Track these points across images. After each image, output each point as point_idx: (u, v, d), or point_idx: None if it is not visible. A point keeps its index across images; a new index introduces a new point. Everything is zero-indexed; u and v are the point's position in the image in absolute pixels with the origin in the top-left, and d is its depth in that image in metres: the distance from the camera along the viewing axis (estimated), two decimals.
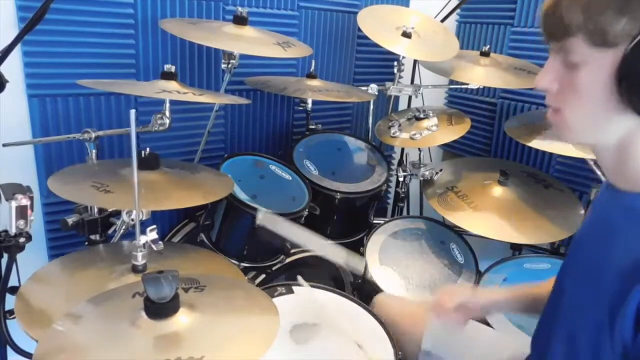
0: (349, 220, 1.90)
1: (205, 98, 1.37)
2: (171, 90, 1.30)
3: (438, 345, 1.15)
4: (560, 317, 0.84)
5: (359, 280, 1.73)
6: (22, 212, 1.08)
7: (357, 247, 1.75)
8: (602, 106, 0.70)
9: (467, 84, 2.02)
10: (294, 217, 1.57)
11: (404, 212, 2.22)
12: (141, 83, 1.63)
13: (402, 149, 2.22)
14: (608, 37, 0.65)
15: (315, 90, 1.85)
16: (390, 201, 2.53)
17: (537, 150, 2.18)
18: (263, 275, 1.64)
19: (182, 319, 0.84)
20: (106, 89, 1.52)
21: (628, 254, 0.70)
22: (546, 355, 0.86)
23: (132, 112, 0.98)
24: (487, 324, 1.41)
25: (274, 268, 1.64)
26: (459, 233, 1.79)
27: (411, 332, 1.18)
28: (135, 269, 1.14)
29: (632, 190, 0.74)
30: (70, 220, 1.32)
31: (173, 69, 1.39)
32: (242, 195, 1.52)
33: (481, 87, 2.37)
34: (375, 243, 1.72)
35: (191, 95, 1.30)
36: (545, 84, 0.75)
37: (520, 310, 1.10)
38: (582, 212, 1.78)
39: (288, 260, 1.67)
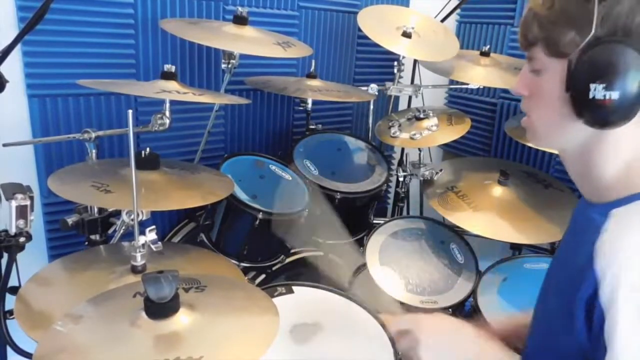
0: (349, 220, 1.89)
1: (205, 98, 1.37)
2: (171, 90, 1.30)
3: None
4: (543, 319, 0.86)
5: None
6: (22, 212, 1.08)
7: (357, 247, 1.75)
8: (559, 113, 0.74)
9: (467, 84, 2.02)
10: (294, 217, 1.57)
11: (404, 212, 2.21)
12: (141, 83, 1.63)
13: (402, 149, 2.22)
14: (559, 48, 0.71)
15: (315, 90, 1.85)
16: (390, 201, 2.52)
17: (537, 150, 2.18)
18: (263, 275, 1.64)
19: (182, 319, 0.84)
20: (106, 89, 1.51)
21: (576, 261, 0.72)
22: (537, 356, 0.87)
23: (129, 112, 0.98)
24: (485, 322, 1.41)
25: (274, 268, 1.64)
26: (459, 233, 1.79)
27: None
28: (134, 270, 1.14)
29: (596, 201, 0.77)
30: (70, 220, 1.32)
31: (173, 69, 1.39)
32: (242, 196, 1.52)
33: (481, 87, 2.37)
34: (375, 243, 1.72)
35: (191, 96, 1.30)
36: (518, 89, 0.81)
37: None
38: None
39: (288, 260, 1.68)
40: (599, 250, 0.68)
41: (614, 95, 0.66)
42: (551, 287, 0.85)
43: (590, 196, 0.79)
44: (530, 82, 0.78)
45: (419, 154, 2.06)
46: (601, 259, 0.67)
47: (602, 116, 0.69)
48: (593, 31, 0.67)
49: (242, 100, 1.62)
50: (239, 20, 1.60)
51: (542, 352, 0.83)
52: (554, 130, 0.78)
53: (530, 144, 1.81)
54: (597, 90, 0.67)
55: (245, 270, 1.58)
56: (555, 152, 1.70)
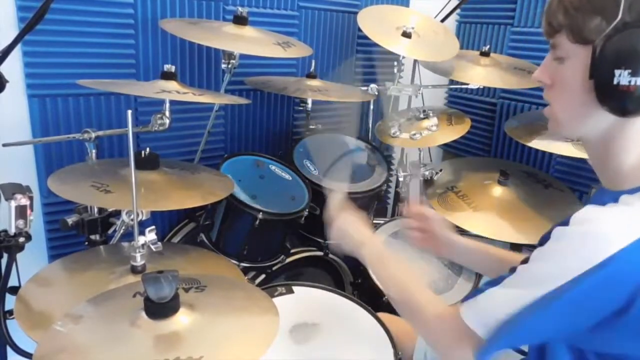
0: None
1: (204, 98, 1.37)
2: (171, 90, 1.30)
3: (429, 357, 1.16)
4: None
5: (359, 280, 1.73)
6: (21, 212, 1.08)
7: None
8: (582, 100, 0.74)
9: (467, 84, 2.02)
10: (294, 217, 1.57)
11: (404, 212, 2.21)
12: (141, 83, 1.63)
13: (402, 149, 2.22)
14: (584, 34, 0.71)
15: (315, 90, 1.85)
16: (390, 201, 2.52)
17: (537, 150, 2.17)
18: (263, 275, 1.64)
19: (182, 319, 0.84)
20: (106, 88, 1.51)
21: None
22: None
23: (129, 112, 0.98)
24: None
25: (274, 268, 1.64)
26: (459, 233, 1.78)
27: (403, 344, 1.18)
28: (134, 270, 1.14)
29: (612, 188, 0.78)
30: (70, 220, 1.32)
31: (173, 69, 1.39)
32: (242, 196, 1.52)
33: (481, 87, 2.37)
34: None
35: (191, 95, 1.30)
36: (540, 77, 0.81)
37: (480, 266, 1.17)
38: None
39: (288, 260, 1.68)
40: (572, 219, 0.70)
41: None
42: None
43: (608, 184, 0.79)
44: (553, 71, 0.78)
45: (419, 154, 2.06)
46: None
47: (626, 103, 0.68)
48: (620, 16, 0.66)
49: (242, 100, 1.62)
50: (239, 20, 1.60)
51: None
52: (577, 119, 0.77)
53: (532, 144, 1.81)
54: (622, 76, 0.66)
55: (245, 270, 1.58)
56: (556, 151, 1.70)
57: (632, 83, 0.66)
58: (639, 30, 0.66)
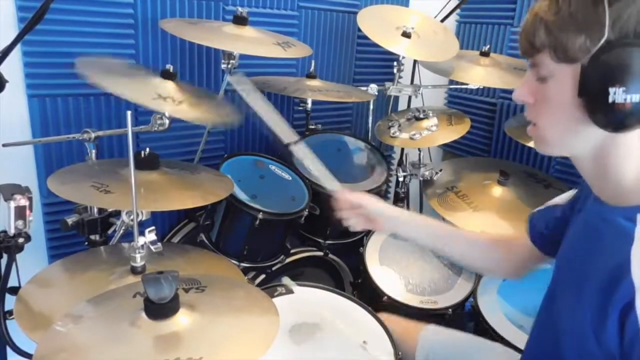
0: None
1: (195, 113, 1.35)
2: (165, 98, 1.29)
3: (431, 358, 1.16)
4: (550, 323, 0.85)
5: (359, 280, 1.73)
6: (20, 213, 1.08)
7: (357, 247, 1.75)
8: (570, 118, 0.73)
9: (467, 84, 2.02)
10: (294, 217, 1.57)
11: None
12: (140, 82, 1.63)
13: (402, 149, 2.22)
14: (568, 53, 0.70)
15: (315, 90, 1.85)
16: (390, 201, 2.52)
17: (537, 150, 2.18)
18: (263, 275, 1.64)
19: (182, 320, 0.84)
20: (102, 84, 1.50)
21: (604, 265, 0.71)
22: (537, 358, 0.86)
23: (128, 113, 0.98)
24: (488, 325, 1.41)
25: (274, 268, 1.64)
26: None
27: (404, 344, 1.18)
28: (134, 270, 1.14)
29: (614, 203, 0.76)
30: (70, 220, 1.32)
31: (173, 69, 1.38)
32: (242, 196, 1.52)
33: (481, 87, 2.37)
34: (375, 243, 1.72)
35: (184, 111, 1.29)
36: (520, 96, 0.79)
37: (428, 239, 1.16)
38: None
39: (288, 260, 1.68)
40: (635, 258, 0.67)
41: (635, 97, 0.65)
42: (567, 292, 0.82)
43: (608, 199, 0.77)
44: (535, 89, 0.76)
45: (419, 154, 2.06)
46: (639, 267, 0.66)
47: (621, 119, 0.67)
48: (606, 35, 0.66)
49: (234, 118, 1.55)
50: (239, 20, 1.60)
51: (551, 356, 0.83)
52: (565, 136, 0.76)
53: (532, 144, 1.81)
54: (617, 94, 0.65)
55: (245, 270, 1.58)
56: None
57: (628, 100, 0.65)
58: (627, 48, 0.65)
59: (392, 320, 1.25)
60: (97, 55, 1.62)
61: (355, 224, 1.16)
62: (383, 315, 1.25)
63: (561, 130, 0.76)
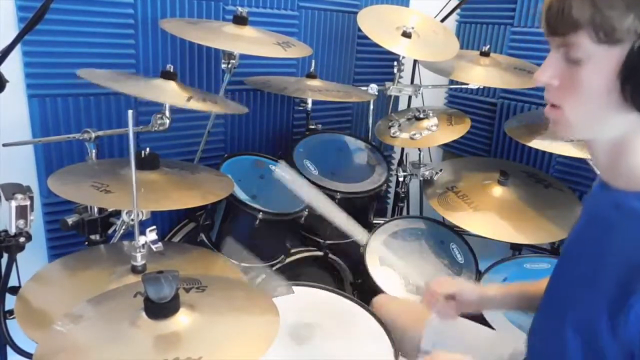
0: None
1: (203, 106, 1.36)
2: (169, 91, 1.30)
3: (438, 346, 1.15)
4: (555, 315, 0.84)
5: (359, 280, 1.73)
6: (22, 212, 1.08)
7: (357, 247, 1.75)
8: (603, 104, 0.69)
9: (467, 84, 2.02)
10: (294, 217, 1.57)
11: (404, 212, 2.22)
12: (141, 82, 1.63)
13: (402, 149, 2.22)
14: (614, 34, 0.64)
15: (315, 90, 1.85)
16: (390, 201, 2.52)
17: (537, 150, 2.17)
18: (263, 275, 1.64)
19: (182, 319, 0.84)
20: (106, 84, 1.50)
21: (623, 256, 0.70)
22: (540, 352, 0.86)
23: (130, 112, 0.98)
24: (487, 324, 1.41)
25: (273, 268, 1.64)
26: (459, 233, 1.79)
27: (410, 332, 1.18)
28: (134, 270, 1.14)
29: (626, 188, 0.74)
30: (70, 220, 1.32)
31: (173, 69, 1.38)
32: (242, 195, 1.52)
33: (481, 87, 2.37)
34: (375, 243, 1.72)
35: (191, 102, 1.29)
36: (545, 79, 0.74)
37: (515, 308, 1.12)
38: None
39: (288, 260, 1.68)
40: None
41: None
42: (577, 281, 0.80)
43: (619, 184, 0.75)
44: (563, 71, 0.71)
45: (419, 154, 2.06)
46: None
47: None
48: None
49: (240, 109, 1.57)
50: (239, 20, 1.60)
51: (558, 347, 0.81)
52: (593, 122, 0.72)
53: (532, 144, 1.81)
54: None
55: (245, 271, 1.57)
56: (556, 151, 1.69)
57: None
58: None
59: (398, 305, 1.24)
60: (97, 55, 1.62)
61: (445, 314, 1.11)
62: (380, 297, 1.24)
63: (590, 115, 0.72)
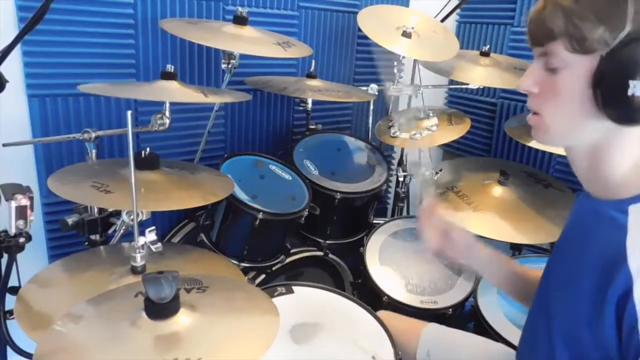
0: (349, 220, 1.91)
1: (219, 98, 1.36)
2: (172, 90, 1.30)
3: (432, 355, 1.16)
4: (544, 318, 0.85)
5: (359, 280, 1.73)
6: (21, 212, 1.08)
7: (357, 247, 1.75)
8: (578, 110, 0.73)
9: (467, 84, 2.02)
10: (294, 217, 1.57)
11: (404, 212, 2.21)
12: (142, 85, 1.63)
13: (402, 149, 2.22)
14: (586, 44, 0.69)
15: (315, 90, 1.85)
16: (390, 201, 2.52)
17: (537, 150, 2.18)
18: (263, 275, 1.64)
19: (182, 320, 0.84)
20: (108, 93, 1.51)
21: (599, 257, 0.72)
22: (531, 354, 0.86)
23: (129, 113, 0.98)
24: (487, 323, 1.41)
25: (274, 268, 1.64)
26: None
27: (406, 342, 1.18)
28: (134, 270, 1.14)
29: (604, 197, 0.77)
30: (70, 220, 1.32)
31: (173, 68, 1.38)
32: (242, 195, 1.52)
33: (481, 87, 2.37)
34: (375, 243, 1.72)
35: (191, 95, 1.30)
36: (525, 86, 0.78)
37: (502, 283, 1.09)
38: None
39: (288, 260, 1.68)
40: (630, 248, 0.68)
41: None
42: (561, 286, 0.83)
43: (597, 192, 0.79)
44: (542, 79, 0.76)
45: (419, 154, 2.06)
46: (635, 256, 0.67)
47: (637, 113, 0.67)
48: (629, 27, 0.65)
49: (243, 97, 1.59)
50: (239, 20, 1.60)
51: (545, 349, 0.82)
52: (570, 128, 0.76)
53: (532, 144, 1.81)
54: (636, 88, 0.65)
55: (245, 270, 1.58)
56: (556, 151, 1.69)
57: None
58: None
59: (393, 317, 1.25)
60: (97, 55, 1.62)
61: (430, 238, 1.06)
62: (383, 313, 1.25)
63: (567, 121, 0.75)
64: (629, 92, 0.66)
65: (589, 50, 0.69)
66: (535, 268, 1.59)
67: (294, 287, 1.28)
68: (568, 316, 0.76)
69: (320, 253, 1.79)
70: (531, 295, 0.95)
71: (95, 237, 1.37)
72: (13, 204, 1.07)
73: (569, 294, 0.77)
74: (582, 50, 0.69)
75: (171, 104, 1.40)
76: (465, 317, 1.60)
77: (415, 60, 2.22)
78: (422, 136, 1.88)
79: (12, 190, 1.08)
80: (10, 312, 1.10)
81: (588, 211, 0.80)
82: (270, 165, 1.73)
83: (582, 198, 0.84)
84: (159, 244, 1.12)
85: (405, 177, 2.03)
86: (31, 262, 1.21)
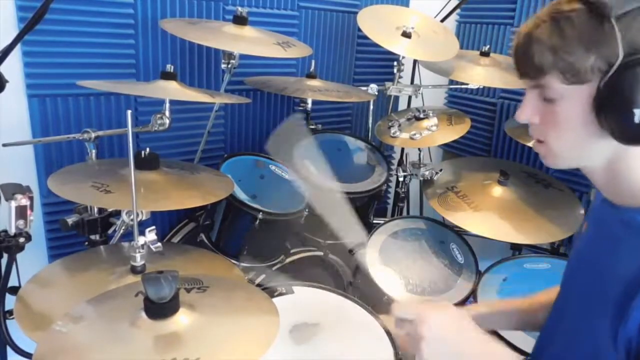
0: None
1: (205, 97, 1.37)
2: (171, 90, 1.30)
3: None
4: (563, 325, 0.85)
5: (359, 280, 1.73)
6: (21, 212, 1.08)
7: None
8: (583, 134, 0.72)
9: (467, 84, 2.02)
10: (294, 217, 1.57)
11: (404, 212, 2.21)
12: (141, 83, 1.63)
13: (402, 149, 2.22)
14: (580, 75, 0.68)
15: (315, 90, 1.85)
16: (390, 201, 2.52)
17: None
18: (263, 275, 1.63)
19: (182, 319, 0.84)
20: (106, 89, 1.51)
21: (631, 264, 0.71)
22: None
23: (128, 112, 0.98)
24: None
25: (274, 268, 1.64)
26: (459, 233, 1.78)
27: (404, 347, 1.18)
28: (134, 270, 1.14)
29: (629, 205, 0.76)
30: (70, 220, 1.32)
31: (172, 68, 1.38)
32: (242, 195, 1.52)
33: (481, 87, 2.37)
34: (375, 243, 1.72)
35: (190, 94, 1.30)
36: (525, 118, 0.78)
37: (502, 325, 1.08)
38: (582, 212, 1.78)
39: (288, 260, 1.67)
40: None
41: None
42: (585, 296, 0.81)
43: (621, 201, 0.77)
44: (541, 109, 0.75)
45: (419, 154, 2.06)
46: None
47: None
48: (622, 54, 0.65)
49: (243, 100, 1.61)
50: (239, 20, 1.60)
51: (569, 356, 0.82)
52: (578, 152, 0.76)
53: (532, 144, 1.81)
54: None
55: (245, 270, 1.57)
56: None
57: None
58: None
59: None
60: (97, 55, 1.62)
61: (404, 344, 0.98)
62: (383, 316, 1.24)
63: (573, 145, 0.75)
64: (636, 120, 0.65)
65: (584, 81, 0.69)
66: (535, 267, 1.59)
67: (294, 287, 1.28)
68: (591, 326, 0.75)
69: (320, 253, 1.78)
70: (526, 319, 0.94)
71: (95, 237, 1.37)
72: (13, 203, 1.06)
73: (595, 306, 0.76)
74: (578, 81, 0.69)
75: (171, 104, 1.40)
76: None
77: (415, 60, 2.22)
78: (422, 136, 1.88)
79: (12, 190, 1.08)
80: (10, 312, 1.10)
81: (614, 221, 0.79)
82: (270, 165, 1.73)
83: (602, 206, 0.83)
84: (159, 244, 1.12)
85: (405, 177, 2.02)
86: (31, 262, 1.21)
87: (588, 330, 0.77)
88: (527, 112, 0.77)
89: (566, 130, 0.74)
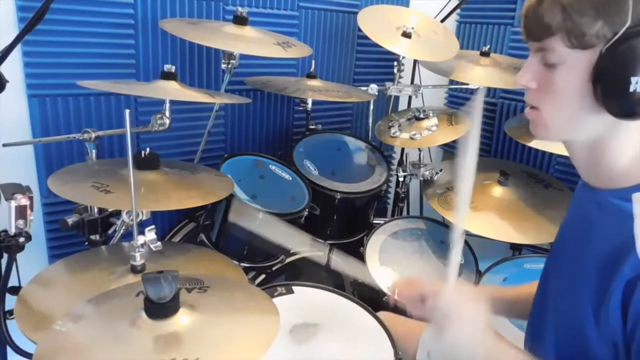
0: (349, 220, 1.90)
1: (204, 97, 1.37)
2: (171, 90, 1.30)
3: (432, 356, 1.15)
4: (547, 313, 0.85)
5: (359, 281, 1.73)
6: (21, 212, 1.08)
7: (357, 247, 1.74)
8: (577, 106, 0.72)
9: (467, 84, 2.02)
10: (294, 217, 1.57)
11: (404, 212, 2.21)
12: (141, 83, 1.63)
13: (402, 149, 2.22)
14: (584, 39, 0.68)
15: (315, 90, 1.85)
16: (390, 201, 2.52)
17: (537, 150, 2.18)
18: (263, 275, 1.64)
19: (182, 319, 0.84)
20: (106, 89, 1.51)
21: (605, 245, 0.72)
22: (538, 349, 0.86)
23: (127, 112, 0.98)
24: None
25: (274, 268, 1.64)
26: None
27: (405, 343, 1.18)
28: (134, 270, 1.14)
29: (605, 187, 0.77)
30: (70, 220, 1.32)
31: (173, 68, 1.38)
32: (242, 196, 1.52)
33: (481, 87, 2.37)
34: (375, 243, 1.72)
35: (191, 94, 1.30)
36: (524, 82, 0.77)
37: (497, 313, 1.08)
38: None
39: (288, 260, 1.67)
40: (639, 235, 0.68)
41: None
42: (564, 280, 0.82)
43: (598, 183, 0.78)
44: (540, 75, 0.75)
45: (419, 154, 2.06)
46: None
47: (638, 107, 0.67)
48: (629, 22, 0.64)
49: (243, 100, 1.61)
50: (239, 20, 1.60)
51: (553, 342, 0.83)
52: (569, 123, 0.75)
53: (532, 144, 1.81)
54: (638, 84, 0.65)
55: (245, 270, 1.57)
56: (556, 151, 1.69)
57: None
58: None
59: (393, 318, 1.24)
60: (97, 55, 1.62)
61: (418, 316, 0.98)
62: (383, 314, 1.24)
63: (566, 117, 0.75)
64: (631, 89, 0.65)
65: (587, 46, 0.68)
66: (535, 267, 1.59)
67: (294, 287, 1.28)
68: (572, 308, 0.76)
69: (320, 253, 1.78)
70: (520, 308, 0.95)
71: (95, 237, 1.37)
72: (13, 203, 1.06)
73: (574, 285, 0.77)
74: (581, 45, 0.69)
75: (171, 104, 1.40)
76: None
77: (415, 60, 2.22)
78: (422, 136, 1.88)
79: (12, 190, 1.08)
80: (11, 312, 1.10)
81: (589, 202, 0.80)
82: (270, 165, 1.73)
83: (581, 190, 0.84)
84: (159, 243, 1.12)
85: (405, 177, 2.02)
86: (31, 262, 1.21)
87: (570, 316, 0.78)
88: (526, 76, 0.77)
89: (561, 99, 0.74)
